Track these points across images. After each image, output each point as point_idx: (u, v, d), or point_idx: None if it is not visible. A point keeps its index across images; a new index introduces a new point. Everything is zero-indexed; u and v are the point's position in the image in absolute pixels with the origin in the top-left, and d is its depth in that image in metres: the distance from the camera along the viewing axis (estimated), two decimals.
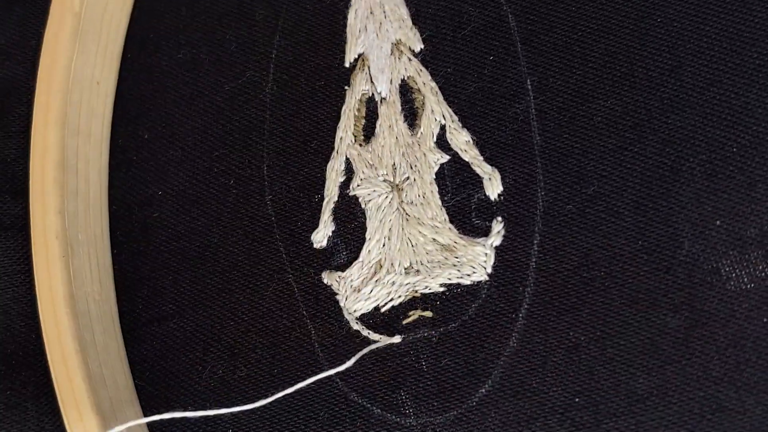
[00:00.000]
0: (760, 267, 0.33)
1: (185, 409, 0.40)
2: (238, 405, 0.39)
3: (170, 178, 0.43)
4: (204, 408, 0.40)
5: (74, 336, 0.39)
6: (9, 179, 0.45)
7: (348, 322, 0.39)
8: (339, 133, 0.40)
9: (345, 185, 0.40)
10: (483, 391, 0.36)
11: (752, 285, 0.33)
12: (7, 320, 0.43)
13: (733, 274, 0.33)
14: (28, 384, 0.42)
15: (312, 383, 0.38)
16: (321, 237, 0.40)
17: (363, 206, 0.39)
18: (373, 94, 0.40)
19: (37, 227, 0.40)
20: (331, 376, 0.38)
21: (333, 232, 0.40)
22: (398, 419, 0.37)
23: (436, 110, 0.39)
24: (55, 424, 0.41)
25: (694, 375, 0.33)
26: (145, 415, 0.41)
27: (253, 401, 0.39)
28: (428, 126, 0.39)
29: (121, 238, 0.44)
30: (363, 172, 0.39)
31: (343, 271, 0.39)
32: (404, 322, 0.38)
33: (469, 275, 0.37)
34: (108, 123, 0.45)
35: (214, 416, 0.40)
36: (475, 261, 0.37)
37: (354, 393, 0.38)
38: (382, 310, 0.38)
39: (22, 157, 0.45)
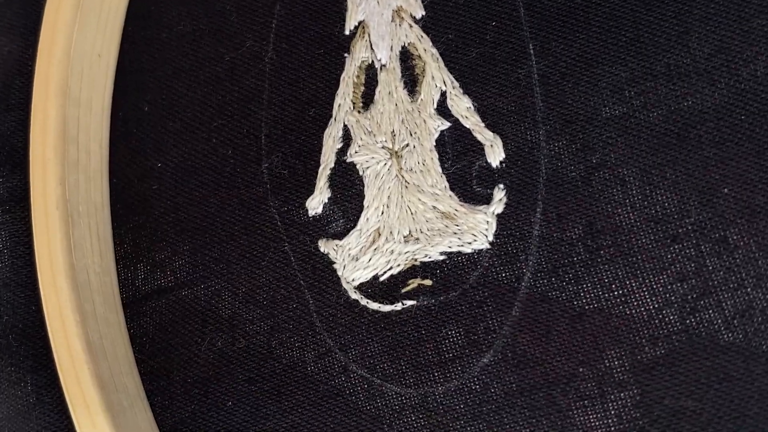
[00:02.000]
0: None
1: (185, 381, 0.40)
2: (237, 376, 0.39)
3: (170, 150, 0.43)
4: (204, 380, 0.40)
5: (74, 307, 0.38)
6: (9, 151, 0.45)
7: (346, 291, 0.38)
8: (337, 100, 0.40)
9: (342, 152, 0.40)
10: (484, 360, 0.36)
11: (760, 253, 0.33)
12: (7, 292, 0.43)
13: (741, 243, 0.33)
14: (28, 356, 0.42)
15: (312, 354, 0.38)
16: (316, 203, 0.39)
17: (361, 173, 0.39)
18: (373, 62, 0.40)
19: (38, 198, 0.40)
20: (330, 346, 0.38)
21: (329, 199, 0.39)
22: (399, 389, 0.37)
23: (436, 76, 0.38)
24: (55, 396, 0.41)
25: (701, 344, 0.33)
26: (145, 387, 0.41)
27: (253, 372, 0.39)
28: (428, 92, 0.38)
29: (121, 210, 0.44)
30: (361, 138, 0.39)
31: (340, 239, 0.39)
32: (403, 290, 0.37)
33: (470, 243, 0.36)
34: (109, 95, 0.45)
35: (213, 387, 0.40)
36: (477, 229, 0.36)
37: (354, 363, 0.38)
38: (381, 278, 0.38)
39: (21, 130, 0.45)
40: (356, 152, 0.39)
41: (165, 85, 0.44)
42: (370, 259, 0.38)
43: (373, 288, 0.38)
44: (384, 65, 0.39)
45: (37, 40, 0.42)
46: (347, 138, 0.40)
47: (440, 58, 0.38)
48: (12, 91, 0.46)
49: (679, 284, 0.33)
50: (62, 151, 0.40)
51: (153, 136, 0.44)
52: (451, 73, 0.38)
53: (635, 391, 0.33)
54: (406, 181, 0.38)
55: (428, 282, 0.37)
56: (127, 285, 0.43)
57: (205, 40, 0.44)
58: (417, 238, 0.37)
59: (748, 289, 0.32)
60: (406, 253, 0.37)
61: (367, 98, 0.40)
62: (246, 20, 0.43)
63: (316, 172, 0.40)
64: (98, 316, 0.39)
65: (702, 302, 0.33)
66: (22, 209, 0.44)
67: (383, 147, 0.39)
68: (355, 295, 0.38)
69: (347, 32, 0.41)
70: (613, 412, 0.33)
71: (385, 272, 0.38)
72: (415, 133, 0.38)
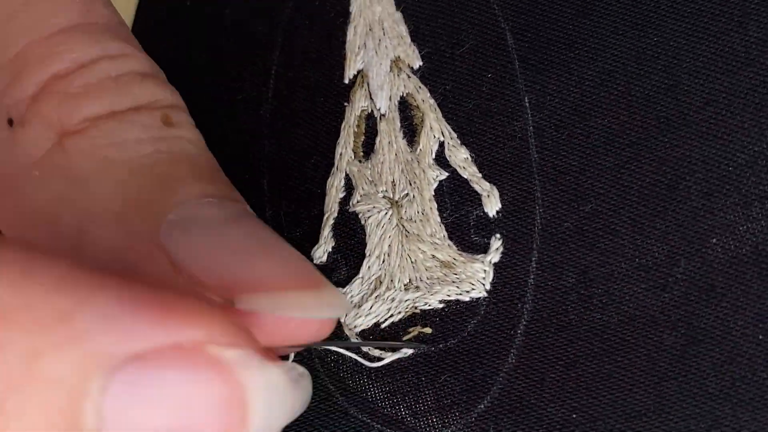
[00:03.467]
0: (755, 285, 0.33)
1: None
2: None
3: None
4: None
5: None
6: None
7: (348, 338, 0.39)
8: (339, 149, 0.41)
9: (345, 201, 0.40)
10: (482, 406, 0.36)
11: (747, 303, 0.33)
12: None
13: (729, 292, 0.34)
14: None
15: (313, 398, 0.38)
16: (321, 253, 0.40)
17: (363, 222, 0.40)
18: (372, 111, 0.40)
19: None
20: (331, 391, 0.38)
21: (333, 248, 0.40)
22: None
23: (434, 127, 0.39)
24: None
25: (690, 391, 0.34)
26: None
27: None
28: (427, 143, 0.39)
29: None
30: (363, 188, 0.40)
31: (343, 287, 0.39)
32: (404, 338, 0.38)
33: (468, 292, 0.37)
34: None
35: None
36: (474, 278, 0.37)
37: (353, 408, 0.38)
38: (382, 326, 0.38)
39: None
40: (358, 202, 0.40)
41: None
42: (371, 307, 0.38)
43: (374, 335, 0.38)
44: (383, 115, 0.40)
45: None
46: (349, 186, 0.40)
47: (438, 109, 0.39)
48: None
49: (669, 333, 0.34)
50: None
51: None
52: (448, 123, 0.39)
53: None
54: (406, 230, 0.39)
55: (428, 330, 0.38)
56: None
57: (203, 86, 0.44)
58: (417, 287, 0.38)
59: (735, 338, 0.33)
60: (406, 300, 0.38)
61: (367, 147, 0.40)
62: (244, 66, 0.43)
63: (320, 220, 0.40)
64: None
65: (691, 350, 0.34)
66: None
67: (384, 196, 0.39)
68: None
69: (346, 81, 0.41)
70: None
71: (386, 319, 0.38)
72: (415, 182, 0.39)
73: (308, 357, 0.39)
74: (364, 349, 0.38)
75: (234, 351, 0.16)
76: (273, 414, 0.17)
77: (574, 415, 0.35)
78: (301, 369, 0.21)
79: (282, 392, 0.17)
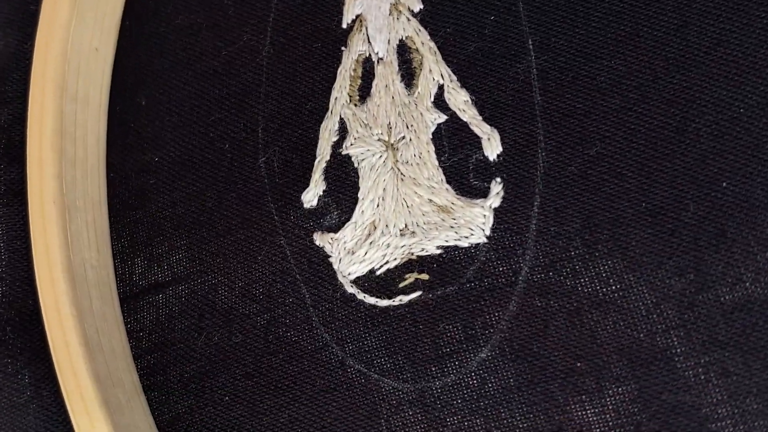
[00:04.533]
0: (767, 229, 0.32)
1: (181, 376, 0.40)
2: (234, 371, 0.39)
3: (167, 144, 0.43)
4: (201, 375, 0.40)
5: (71, 302, 0.38)
6: (6, 145, 0.45)
7: (342, 286, 0.38)
8: (334, 93, 0.40)
9: (338, 145, 0.39)
10: (482, 355, 0.35)
11: (758, 248, 0.32)
12: (4, 285, 0.43)
13: (740, 237, 0.33)
14: (25, 350, 0.42)
15: (308, 350, 0.38)
16: (311, 196, 0.39)
17: (356, 166, 0.39)
18: (370, 55, 0.40)
19: (35, 193, 0.40)
20: (327, 341, 0.38)
21: (324, 192, 0.39)
22: (396, 384, 0.37)
23: (434, 70, 0.38)
24: (52, 391, 0.41)
25: (699, 339, 0.33)
26: (142, 382, 0.40)
27: (250, 367, 0.39)
28: (426, 85, 0.38)
29: (118, 205, 0.44)
30: (357, 131, 0.39)
31: (335, 232, 0.38)
32: (400, 285, 0.37)
33: (467, 237, 0.36)
34: (106, 89, 0.44)
35: (210, 383, 0.40)
36: (473, 223, 0.36)
37: (351, 358, 0.38)
38: (378, 273, 0.38)
39: (18, 123, 0.45)
40: (352, 144, 0.39)
41: (162, 79, 0.44)
42: (366, 253, 0.37)
43: (369, 282, 0.38)
44: (381, 59, 0.39)
45: (35, 34, 0.42)
46: (344, 131, 0.39)
47: (438, 52, 0.38)
48: (8, 84, 0.46)
49: (677, 278, 0.33)
50: (59, 146, 0.40)
51: (150, 130, 0.44)
52: (448, 66, 0.38)
53: (633, 386, 0.33)
54: (401, 173, 0.38)
55: (425, 276, 0.37)
56: (124, 280, 0.43)
57: (203, 34, 0.44)
58: (413, 232, 0.37)
59: (747, 284, 0.32)
60: (402, 246, 0.37)
61: (364, 91, 0.40)
62: (243, 14, 0.43)
63: (313, 166, 0.40)
64: (95, 310, 0.39)
65: (700, 297, 0.33)
66: (19, 203, 0.44)
67: (379, 139, 0.38)
68: (351, 290, 0.38)
69: (344, 26, 0.41)
70: (611, 407, 0.33)
71: (381, 266, 0.38)
72: (412, 126, 0.38)
73: (303, 306, 0.39)
74: (359, 297, 0.37)
75: None
76: None
77: (579, 364, 0.34)
78: None
79: None
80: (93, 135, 0.43)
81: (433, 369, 0.36)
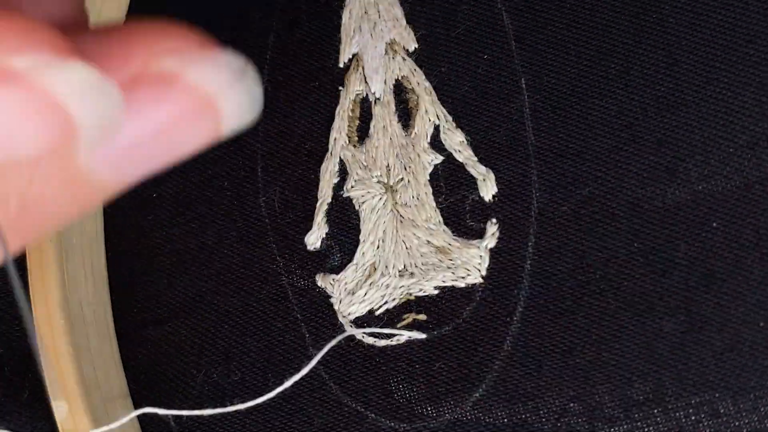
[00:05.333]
0: (756, 270, 0.33)
1: (180, 414, 0.40)
2: (233, 412, 0.39)
3: (165, 181, 0.43)
4: (199, 415, 0.40)
5: (68, 340, 0.38)
6: None
7: (342, 326, 0.38)
8: (333, 134, 0.40)
9: (339, 187, 0.40)
10: (477, 395, 0.36)
11: (748, 289, 0.33)
12: (3, 325, 0.43)
13: (730, 278, 0.33)
14: (24, 389, 0.42)
15: (306, 387, 0.38)
16: (315, 239, 0.39)
17: (357, 208, 0.39)
18: (367, 95, 0.40)
19: None
20: (325, 380, 0.38)
21: (327, 234, 0.39)
22: (392, 424, 0.37)
23: (430, 110, 0.38)
24: (49, 428, 0.41)
25: (690, 380, 0.33)
26: (139, 419, 0.41)
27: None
28: (422, 126, 0.38)
29: (116, 242, 0.44)
30: (357, 173, 0.39)
31: (337, 273, 0.39)
32: (398, 325, 0.37)
33: (463, 278, 0.37)
34: None
35: (209, 421, 0.40)
36: (470, 263, 0.37)
37: (348, 397, 0.38)
38: (377, 313, 0.38)
39: None
40: (353, 187, 0.39)
41: None
42: (365, 294, 0.38)
43: (368, 322, 0.38)
44: (378, 98, 0.40)
45: None
46: (343, 172, 0.40)
47: (433, 92, 0.39)
48: None
49: (668, 319, 0.34)
50: None
51: None
52: (444, 106, 0.38)
53: (625, 427, 0.34)
54: (401, 215, 0.38)
55: (423, 317, 0.37)
56: (122, 315, 0.43)
57: None
58: (412, 273, 0.37)
59: (736, 325, 0.33)
60: (401, 287, 0.37)
61: (362, 132, 0.40)
62: (239, 51, 0.43)
63: (314, 207, 0.40)
64: (92, 348, 0.40)
65: (690, 337, 0.33)
66: None
67: (378, 181, 0.39)
68: (351, 330, 0.38)
69: (341, 65, 0.41)
70: None
71: (380, 306, 0.38)
72: (410, 167, 0.38)
73: (302, 345, 0.39)
74: (358, 336, 0.38)
75: (23, 58, 0.15)
76: (99, 109, 0.16)
77: (572, 404, 0.34)
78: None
79: (98, 87, 0.16)
80: None
81: (429, 409, 0.36)
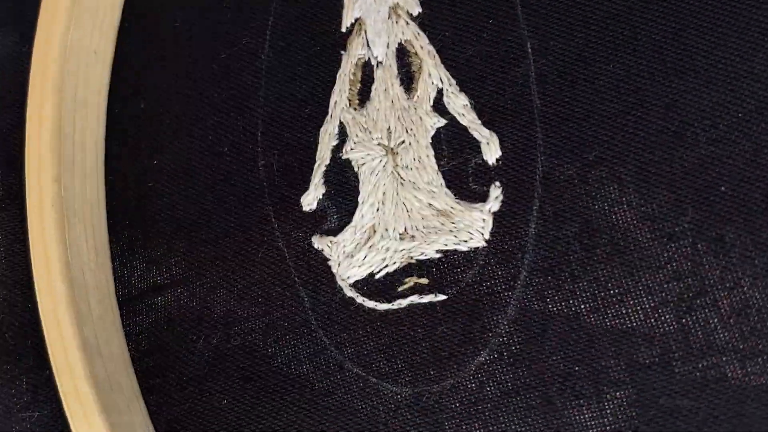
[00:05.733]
0: (765, 234, 0.32)
1: (180, 379, 0.40)
2: (232, 374, 0.39)
3: (166, 147, 0.43)
4: (199, 378, 0.40)
5: (69, 306, 0.38)
6: (5, 149, 0.45)
7: (341, 289, 0.38)
8: (333, 97, 0.40)
9: (338, 150, 0.40)
10: (480, 359, 0.36)
11: (757, 252, 0.32)
12: (4, 290, 0.43)
13: (738, 242, 0.33)
14: (25, 354, 0.43)
15: (307, 352, 0.38)
16: (311, 199, 0.39)
17: (356, 170, 0.39)
18: (369, 59, 0.40)
19: (33, 196, 0.40)
20: (325, 344, 0.38)
21: (324, 195, 0.39)
22: (394, 388, 0.37)
23: (433, 74, 0.38)
24: (50, 395, 0.41)
25: (697, 344, 0.33)
26: (140, 385, 0.41)
27: (248, 370, 0.39)
28: (425, 89, 0.38)
29: (117, 208, 0.44)
30: (357, 135, 0.39)
31: (335, 236, 0.39)
32: (400, 289, 0.37)
33: (466, 241, 0.36)
34: (105, 92, 0.45)
35: (208, 385, 0.40)
36: (473, 227, 0.36)
37: (349, 362, 0.38)
38: (377, 276, 0.38)
39: (17, 128, 0.45)
40: (352, 149, 0.39)
41: (161, 82, 0.44)
42: (365, 257, 0.38)
43: (368, 286, 0.38)
44: (380, 62, 0.39)
45: (33, 38, 0.42)
46: (343, 135, 0.40)
47: (437, 56, 0.38)
48: (7, 89, 0.46)
49: (675, 283, 0.33)
50: (58, 150, 0.40)
51: (149, 133, 0.44)
52: (447, 70, 0.38)
53: (631, 390, 0.33)
54: (401, 177, 0.38)
55: (424, 280, 0.37)
56: (123, 283, 0.43)
57: (201, 38, 0.44)
58: (413, 236, 0.37)
59: (745, 288, 0.32)
60: (401, 250, 0.37)
61: (363, 95, 0.40)
62: (242, 17, 0.43)
63: (312, 170, 0.40)
64: (93, 314, 0.40)
65: (698, 301, 0.33)
66: (18, 207, 0.44)
67: (379, 144, 0.39)
68: (350, 293, 0.38)
69: (344, 29, 0.41)
70: (608, 411, 0.33)
71: (380, 270, 0.38)
72: (411, 130, 0.38)
73: (301, 309, 0.39)
74: (358, 300, 0.38)
75: None
76: None
77: (577, 368, 0.34)
78: None
79: None
80: (91, 138, 0.43)
81: (432, 372, 0.36)
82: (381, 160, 0.38)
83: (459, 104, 0.38)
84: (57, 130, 0.41)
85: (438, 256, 0.37)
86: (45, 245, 0.39)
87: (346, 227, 0.38)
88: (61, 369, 0.38)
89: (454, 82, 0.38)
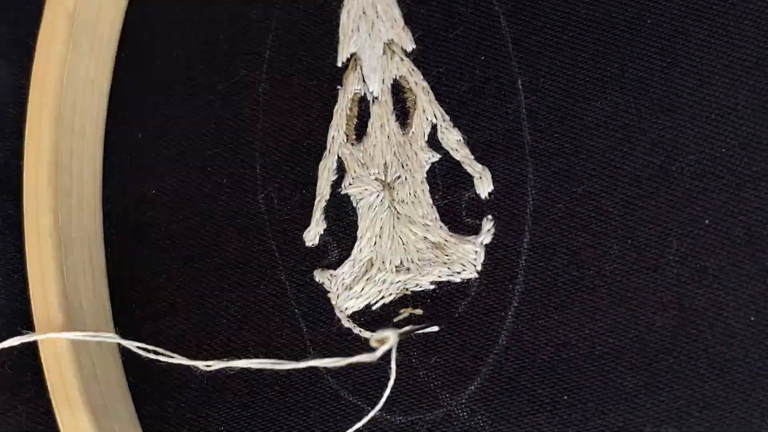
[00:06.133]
0: (747, 267, 0.33)
1: (178, 407, 0.40)
2: (231, 403, 0.39)
3: (164, 177, 0.43)
4: (197, 405, 0.40)
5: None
6: (3, 179, 0.45)
7: (339, 320, 0.39)
8: (331, 132, 0.40)
9: (337, 184, 0.40)
10: (472, 388, 0.36)
11: (739, 284, 0.33)
12: (3, 319, 0.43)
13: (721, 274, 0.34)
14: (23, 384, 0.42)
15: (304, 382, 0.39)
16: (313, 235, 0.40)
17: (354, 205, 0.40)
18: (365, 94, 0.40)
19: (31, 226, 0.40)
20: (322, 374, 0.38)
21: (324, 230, 0.40)
22: (388, 416, 0.37)
23: (427, 109, 0.39)
24: (48, 425, 0.41)
25: (681, 373, 0.34)
26: (138, 412, 0.41)
27: (246, 398, 0.39)
28: (420, 125, 0.39)
29: (115, 237, 0.44)
30: (355, 170, 0.40)
31: (334, 269, 0.39)
32: (395, 320, 0.38)
33: (459, 273, 0.37)
34: (102, 122, 0.45)
35: (206, 412, 0.40)
36: (465, 259, 0.37)
37: (345, 390, 0.38)
38: (374, 307, 0.38)
39: (15, 158, 0.45)
40: (350, 184, 0.40)
41: (158, 112, 0.44)
42: (362, 289, 0.38)
43: (365, 317, 0.38)
44: (376, 98, 0.40)
45: (30, 67, 0.42)
46: (341, 170, 0.40)
47: (431, 92, 0.39)
48: (5, 119, 0.46)
49: (660, 314, 0.34)
50: (55, 179, 0.40)
51: (147, 163, 0.44)
52: (441, 106, 0.39)
53: (617, 418, 0.34)
54: (398, 212, 0.39)
55: (419, 311, 0.38)
56: (122, 310, 0.43)
57: (199, 69, 0.44)
58: (408, 268, 0.38)
59: (728, 320, 0.33)
60: (397, 282, 0.38)
61: (359, 130, 0.40)
62: (239, 50, 0.43)
63: (312, 203, 0.40)
64: (91, 343, 0.40)
65: (682, 331, 0.34)
66: (16, 237, 0.44)
67: (376, 179, 0.39)
68: (347, 324, 0.38)
69: (339, 64, 0.41)
70: None
71: (377, 301, 0.38)
72: (407, 165, 0.39)
73: (300, 339, 0.39)
74: (355, 331, 0.38)
75: None
76: None
77: (565, 397, 0.35)
78: None
79: None
80: (89, 167, 0.43)
81: (425, 402, 0.37)
82: (378, 195, 0.39)
83: (452, 139, 0.38)
84: (54, 160, 0.41)
85: (432, 287, 0.38)
86: (42, 275, 0.39)
87: (345, 261, 0.39)
88: (59, 397, 0.38)
89: (447, 117, 0.39)
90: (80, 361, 0.38)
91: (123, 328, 0.42)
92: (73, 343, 0.38)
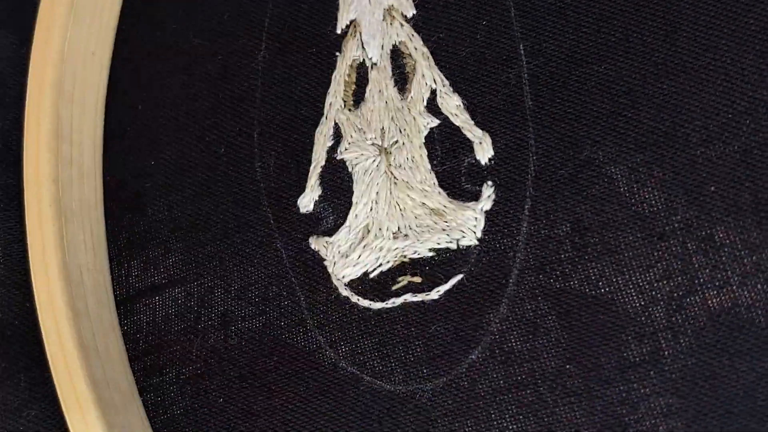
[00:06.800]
0: (754, 234, 0.33)
1: (177, 378, 0.40)
2: (229, 373, 0.39)
3: (163, 148, 0.43)
4: (196, 377, 0.40)
5: (67, 305, 0.39)
6: (3, 149, 0.45)
7: (337, 288, 0.38)
8: (329, 99, 0.40)
9: (333, 150, 0.40)
10: (472, 357, 0.36)
11: (746, 251, 0.33)
12: (2, 289, 0.44)
13: (727, 241, 0.33)
14: (22, 353, 0.43)
15: (302, 352, 0.38)
16: (307, 201, 0.40)
17: (350, 170, 0.39)
18: (364, 60, 0.40)
19: (31, 196, 0.40)
20: (321, 343, 0.38)
21: (320, 196, 0.40)
22: (388, 386, 0.37)
23: (427, 74, 0.39)
24: (47, 393, 0.41)
25: (686, 342, 0.33)
26: (137, 384, 0.41)
27: (245, 369, 0.39)
28: (418, 90, 0.39)
29: (115, 208, 0.44)
30: (351, 136, 0.39)
31: (330, 236, 0.39)
32: (393, 287, 0.38)
33: (458, 240, 0.37)
34: (103, 93, 0.45)
35: (206, 384, 0.40)
36: (465, 225, 0.37)
37: (343, 361, 0.38)
38: (371, 275, 0.38)
39: (16, 128, 0.45)
40: (346, 149, 0.39)
41: (158, 83, 0.45)
42: (359, 256, 0.38)
43: (363, 285, 0.38)
44: (375, 64, 0.40)
45: (32, 38, 0.43)
46: (338, 136, 0.40)
47: (431, 57, 0.39)
48: (6, 89, 0.46)
49: (665, 282, 0.33)
50: (56, 150, 0.41)
51: (146, 134, 0.44)
52: (441, 71, 0.38)
53: (621, 388, 0.34)
54: (395, 177, 0.38)
55: (418, 279, 0.37)
56: (121, 282, 0.43)
57: (198, 39, 0.44)
58: (406, 235, 0.38)
59: (734, 287, 0.33)
60: (395, 249, 0.37)
61: (358, 96, 0.40)
62: (238, 19, 0.43)
63: (308, 171, 0.40)
64: (91, 314, 0.40)
65: (688, 300, 0.33)
66: (16, 208, 0.44)
67: (373, 144, 0.39)
68: (345, 292, 0.38)
69: (339, 31, 0.41)
70: (599, 409, 0.34)
71: (374, 269, 0.38)
72: (405, 130, 0.38)
73: (298, 309, 0.39)
74: (353, 300, 0.38)
75: None
76: None
77: (568, 366, 0.34)
78: None
79: None
80: (89, 138, 0.43)
81: (425, 371, 0.37)
82: (374, 160, 0.39)
83: (452, 105, 0.38)
84: (55, 130, 0.41)
85: (431, 254, 0.37)
86: (43, 245, 0.39)
87: (341, 227, 0.39)
88: (59, 368, 0.38)
89: (447, 82, 0.38)
90: (80, 331, 0.38)
91: (122, 299, 0.43)
92: (73, 314, 0.38)
